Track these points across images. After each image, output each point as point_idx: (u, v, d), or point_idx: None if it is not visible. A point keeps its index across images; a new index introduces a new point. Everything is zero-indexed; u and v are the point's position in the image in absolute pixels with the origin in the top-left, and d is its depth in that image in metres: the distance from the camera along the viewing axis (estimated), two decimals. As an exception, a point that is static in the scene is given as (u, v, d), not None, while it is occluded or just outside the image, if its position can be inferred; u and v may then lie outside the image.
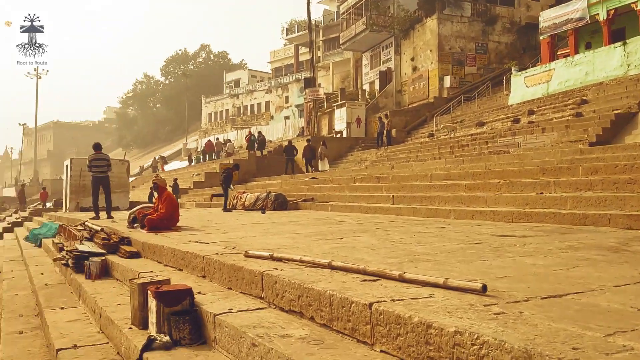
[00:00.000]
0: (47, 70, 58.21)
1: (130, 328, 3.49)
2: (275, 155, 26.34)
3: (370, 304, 2.28)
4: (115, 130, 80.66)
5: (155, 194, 8.30)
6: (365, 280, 2.85)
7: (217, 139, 41.51)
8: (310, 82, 30.71)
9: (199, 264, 4.32)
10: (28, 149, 79.87)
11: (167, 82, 73.12)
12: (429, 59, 29.13)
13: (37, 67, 56.97)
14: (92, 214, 11.28)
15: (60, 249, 7.94)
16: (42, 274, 7.51)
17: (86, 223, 8.48)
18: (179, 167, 41.15)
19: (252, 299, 3.32)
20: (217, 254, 4.25)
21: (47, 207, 25.94)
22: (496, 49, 29.75)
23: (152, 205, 8.11)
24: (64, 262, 6.82)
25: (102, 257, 6.00)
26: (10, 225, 21.81)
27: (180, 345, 2.98)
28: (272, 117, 49.05)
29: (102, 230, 7.22)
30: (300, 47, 49.72)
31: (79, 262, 6.13)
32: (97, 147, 11.35)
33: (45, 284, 6.58)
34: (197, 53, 72.54)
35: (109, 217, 10.82)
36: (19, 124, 72.37)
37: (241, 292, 3.50)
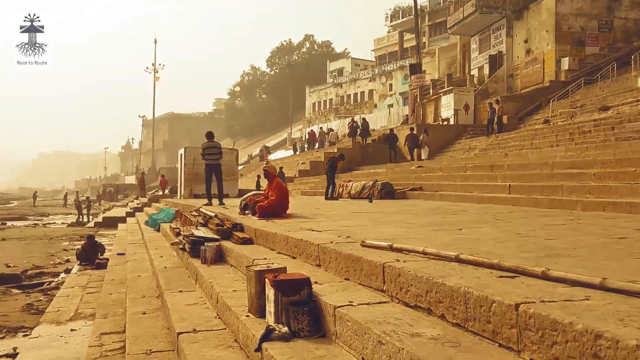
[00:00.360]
0: (163, 65, 61.94)
1: (247, 316, 3.44)
2: (379, 143, 26.01)
3: (517, 305, 1.99)
4: (224, 121, 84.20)
5: (262, 182, 8.37)
6: (501, 276, 2.55)
7: (321, 128, 41.90)
8: (415, 69, 29.93)
9: (314, 252, 4.20)
10: (147, 139, 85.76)
11: (272, 72, 75.01)
12: (544, 41, 27.22)
13: (155, 62, 60.82)
14: (205, 201, 11.70)
15: (177, 234, 8.28)
16: (162, 257, 7.87)
17: (200, 209, 8.77)
18: (284, 155, 42.09)
19: (371, 291, 3.13)
20: (332, 242, 4.10)
21: (164, 193, 27.57)
22: (623, 26, 27.11)
23: (263, 192, 8.20)
24: (180, 246, 7.07)
25: (217, 243, 6.12)
26: (132, 211, 23.49)
27: (299, 336, 2.86)
28: (375, 106, 48.65)
29: (215, 216, 7.40)
30: (404, 33, 48.68)
31: (195, 247, 6.30)
32: (210, 135, 11.72)
33: (165, 267, 6.86)
34: (301, 43, 73.68)
35: (221, 203, 11.15)
36: (139, 116, 77.94)
37: (360, 284, 3.32)
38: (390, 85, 47.63)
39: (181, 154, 20.31)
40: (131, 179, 63.21)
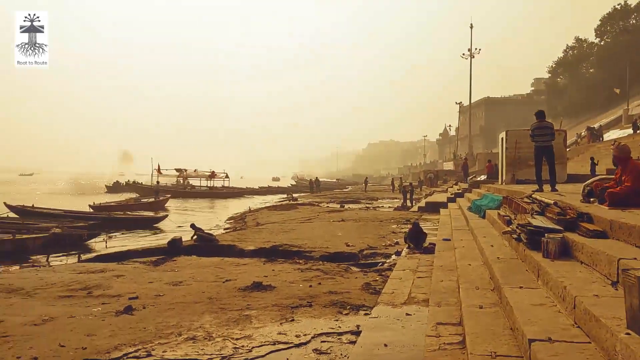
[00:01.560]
0: (479, 49, 60.96)
1: (627, 334, 2.70)
2: None
3: None
4: (544, 102, 78.49)
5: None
6: None
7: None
8: None
9: None
10: (463, 125, 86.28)
11: (602, 43, 66.36)
12: None
13: (471, 48, 60.38)
14: (532, 187, 10.74)
15: (508, 222, 7.69)
16: (492, 246, 7.40)
17: (533, 196, 7.97)
18: (619, 136, 36.66)
19: None
20: None
21: (487, 179, 26.99)
22: None
23: (612, 177, 6.94)
24: (515, 236, 6.47)
25: (560, 235, 5.33)
26: (452, 196, 23.69)
27: None
28: None
29: (555, 204, 6.54)
30: None
31: (533, 238, 5.64)
32: (540, 115, 10.65)
33: (497, 258, 6.38)
34: (640, 4, 63.13)
35: (554, 189, 10.04)
36: (455, 103, 78.77)
37: None
38: None
39: (502, 138, 19.47)
40: (449, 165, 64.44)
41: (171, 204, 39.05)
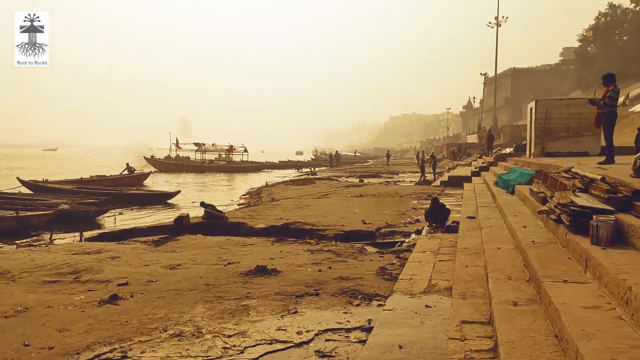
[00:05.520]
0: (507, 17, 58.65)
1: None
2: None
3: None
4: (573, 72, 75.59)
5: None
6: None
7: None
8: None
9: None
10: (487, 97, 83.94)
11: (638, 8, 63.16)
12: None
13: (498, 15, 58.11)
14: (565, 160, 9.73)
15: (543, 200, 6.78)
16: (524, 227, 6.49)
17: (573, 170, 7.01)
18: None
19: None
20: None
21: (508, 152, 25.81)
22: None
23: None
24: (553, 216, 5.57)
25: (613, 217, 4.42)
26: (477, 170, 22.60)
27: None
28: None
29: (602, 179, 5.59)
30: None
31: (578, 220, 4.74)
32: (609, 78, 9.48)
33: (532, 242, 5.48)
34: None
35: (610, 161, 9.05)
36: (480, 74, 76.27)
37: None
38: None
39: (531, 108, 18.28)
40: (473, 138, 62.72)
41: (188, 179, 38.56)
